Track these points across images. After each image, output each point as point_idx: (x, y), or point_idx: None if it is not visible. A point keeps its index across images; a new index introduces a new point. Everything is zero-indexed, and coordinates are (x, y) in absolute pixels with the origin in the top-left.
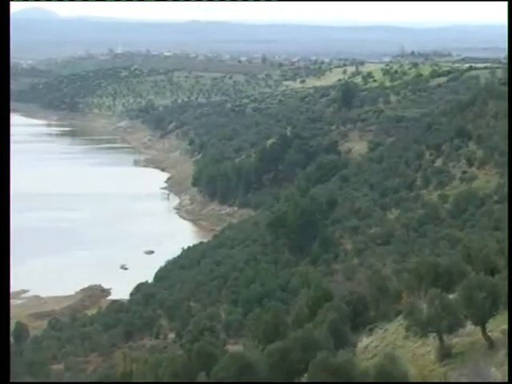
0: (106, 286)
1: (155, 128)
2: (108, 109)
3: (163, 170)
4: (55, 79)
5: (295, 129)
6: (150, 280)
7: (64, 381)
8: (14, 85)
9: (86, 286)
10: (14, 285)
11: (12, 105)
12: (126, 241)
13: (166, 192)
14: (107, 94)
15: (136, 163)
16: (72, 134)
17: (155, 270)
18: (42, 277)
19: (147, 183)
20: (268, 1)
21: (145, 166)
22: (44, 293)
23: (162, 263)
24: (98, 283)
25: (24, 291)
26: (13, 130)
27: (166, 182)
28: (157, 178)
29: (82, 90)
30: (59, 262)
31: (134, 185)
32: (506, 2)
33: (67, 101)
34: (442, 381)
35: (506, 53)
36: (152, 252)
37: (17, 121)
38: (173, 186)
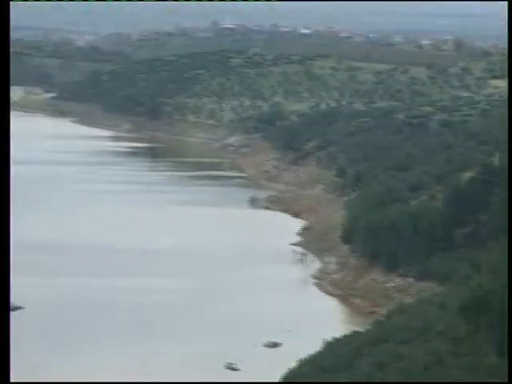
0: None
1: (284, 148)
2: (210, 116)
3: (296, 215)
4: (128, 66)
5: (508, 157)
6: None
7: None
8: (64, 74)
9: None
10: None
11: (60, 104)
12: (238, 326)
13: (301, 251)
14: (209, 92)
15: (253, 203)
16: (153, 154)
17: (281, 373)
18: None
19: (271, 235)
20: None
21: (267, 208)
22: None
23: (292, 363)
24: None
25: None
26: (59, 145)
27: (299, 234)
28: (286, 228)
29: (170, 84)
30: (136, 360)
31: (249, 238)
32: (506, 2)
33: (146, 101)
34: None
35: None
36: (276, 345)
37: (66, 130)
38: (311, 242)
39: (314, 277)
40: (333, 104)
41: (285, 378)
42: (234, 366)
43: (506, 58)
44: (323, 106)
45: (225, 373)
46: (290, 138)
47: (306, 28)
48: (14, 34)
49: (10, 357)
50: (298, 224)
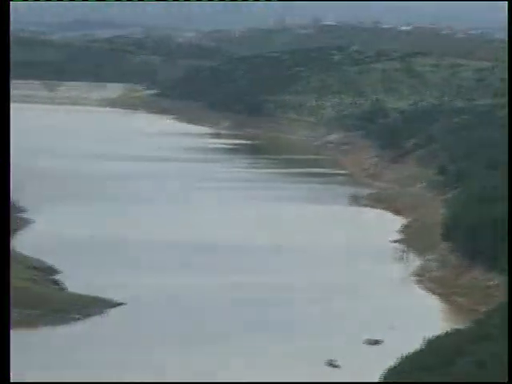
0: None
1: (385, 146)
2: (311, 113)
3: (397, 212)
4: (227, 63)
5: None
6: None
7: None
8: (164, 71)
9: None
10: None
11: (161, 101)
12: (338, 323)
13: (401, 248)
14: (310, 89)
15: (354, 200)
16: (253, 151)
17: (381, 371)
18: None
19: (372, 233)
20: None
21: (368, 206)
22: None
23: (393, 360)
24: None
25: None
26: (158, 141)
27: (400, 231)
28: (386, 225)
29: (271, 81)
30: (239, 357)
31: (349, 234)
32: (506, 2)
33: (246, 98)
34: None
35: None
36: (377, 342)
37: (168, 128)
38: (411, 239)
39: (415, 274)
40: (433, 101)
41: (384, 377)
42: (335, 363)
43: None
44: (424, 104)
45: (325, 369)
46: (390, 136)
47: (407, 25)
48: (115, 32)
49: (9, 357)
50: (398, 222)
